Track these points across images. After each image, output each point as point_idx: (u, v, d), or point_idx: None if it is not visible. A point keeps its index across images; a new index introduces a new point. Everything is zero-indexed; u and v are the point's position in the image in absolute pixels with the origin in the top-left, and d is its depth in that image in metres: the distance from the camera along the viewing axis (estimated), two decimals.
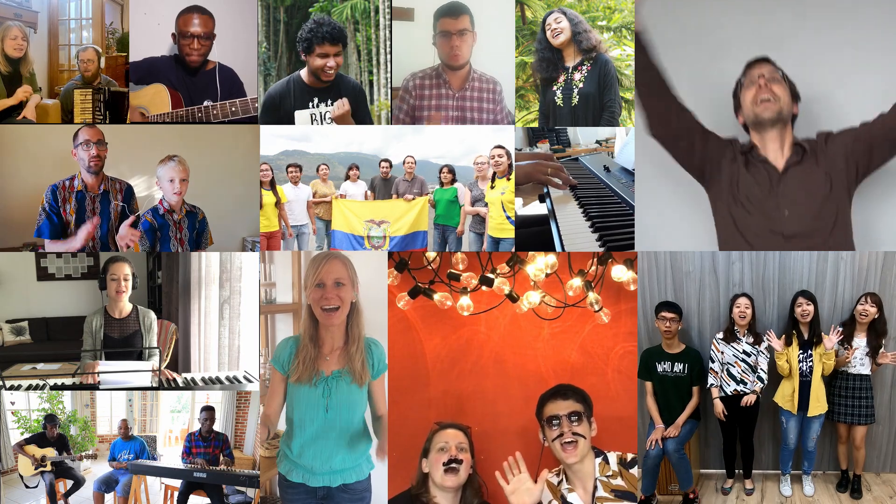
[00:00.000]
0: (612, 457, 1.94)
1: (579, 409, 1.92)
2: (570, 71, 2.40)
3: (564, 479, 1.93)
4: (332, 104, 2.31)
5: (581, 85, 2.39)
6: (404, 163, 2.64)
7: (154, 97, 2.40)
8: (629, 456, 1.94)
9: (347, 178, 2.69)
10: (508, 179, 2.46)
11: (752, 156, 2.20)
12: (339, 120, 2.30)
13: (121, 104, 2.40)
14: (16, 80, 2.43)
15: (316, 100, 2.33)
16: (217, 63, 2.45)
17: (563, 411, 1.91)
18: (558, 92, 2.40)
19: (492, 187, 2.53)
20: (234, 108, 2.37)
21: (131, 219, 2.28)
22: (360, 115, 2.37)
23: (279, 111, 2.32)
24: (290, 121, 2.32)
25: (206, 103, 2.40)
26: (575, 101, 2.40)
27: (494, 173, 2.49)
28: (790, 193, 2.14)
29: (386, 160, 2.60)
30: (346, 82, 2.39)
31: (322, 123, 2.31)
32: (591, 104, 2.37)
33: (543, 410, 1.96)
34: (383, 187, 2.69)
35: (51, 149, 2.44)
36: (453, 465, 1.89)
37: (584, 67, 2.38)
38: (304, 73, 2.34)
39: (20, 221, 2.41)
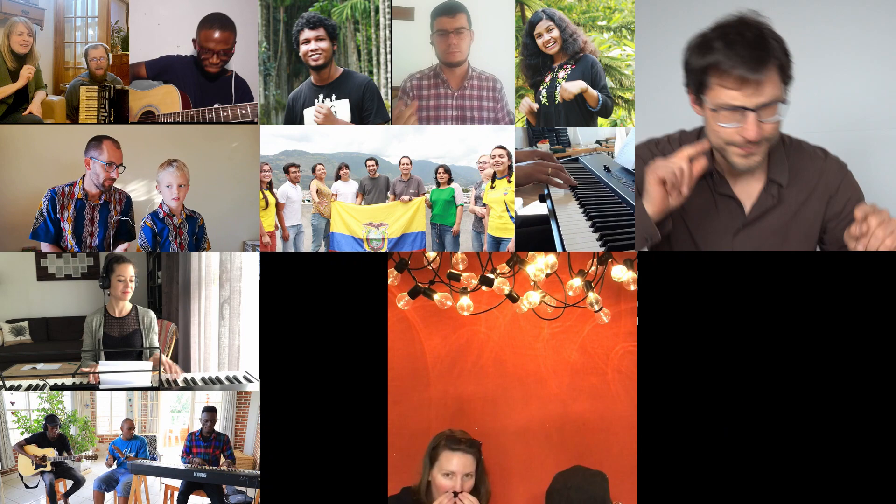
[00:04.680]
0: None
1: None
2: (555, 70, 2.41)
3: None
4: (335, 99, 2.32)
5: (563, 83, 2.40)
6: (400, 164, 2.64)
7: (165, 97, 2.40)
8: None
9: (338, 177, 2.68)
10: (509, 181, 2.46)
11: (713, 182, 1.89)
12: (326, 122, 2.31)
13: (125, 103, 2.41)
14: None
15: (321, 96, 2.34)
16: (234, 72, 2.45)
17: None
18: (543, 91, 2.41)
19: (492, 187, 2.53)
20: (244, 112, 2.37)
21: (126, 245, 2.30)
22: (371, 109, 2.35)
23: (293, 112, 2.37)
24: (303, 121, 2.35)
25: (215, 106, 2.40)
26: (558, 99, 2.40)
27: (494, 173, 2.49)
28: (755, 231, 1.93)
29: (372, 159, 2.58)
30: (353, 79, 2.39)
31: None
32: (575, 100, 2.37)
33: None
34: (373, 187, 2.69)
35: (54, 150, 2.44)
36: (456, 499, 1.92)
37: (569, 66, 2.40)
38: (311, 74, 2.38)
39: (19, 224, 2.41)
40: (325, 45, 2.31)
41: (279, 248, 2.60)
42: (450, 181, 2.66)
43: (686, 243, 2.00)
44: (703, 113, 1.75)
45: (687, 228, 1.98)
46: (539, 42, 2.38)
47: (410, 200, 2.64)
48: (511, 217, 2.45)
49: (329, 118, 2.30)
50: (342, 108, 2.34)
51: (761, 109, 1.66)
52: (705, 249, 1.93)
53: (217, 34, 2.39)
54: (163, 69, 2.42)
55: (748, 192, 1.91)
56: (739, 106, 1.65)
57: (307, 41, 2.31)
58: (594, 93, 2.35)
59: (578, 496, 1.98)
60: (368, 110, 2.35)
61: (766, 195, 1.90)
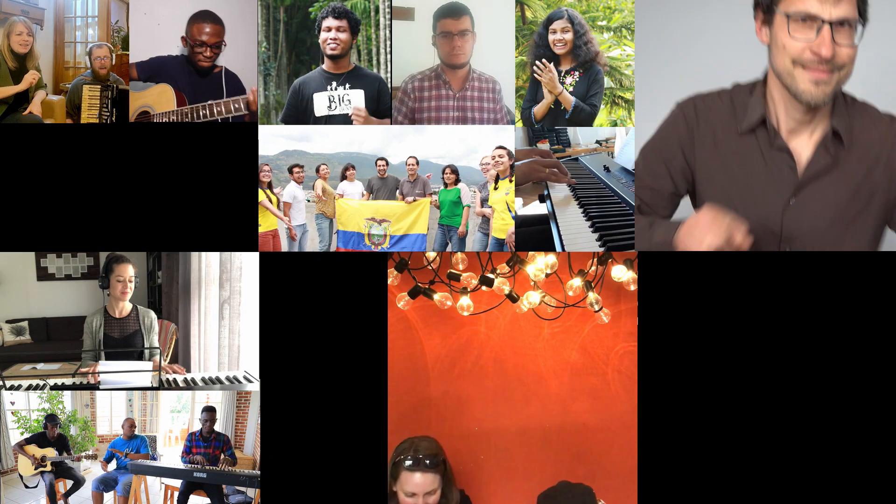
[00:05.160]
0: None
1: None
2: (562, 74, 2.41)
3: None
4: (348, 88, 2.33)
5: (570, 89, 2.40)
6: (406, 164, 2.63)
7: (160, 96, 2.41)
8: None
9: (344, 178, 2.67)
10: (511, 181, 2.46)
11: (769, 133, 1.69)
12: (365, 122, 2.35)
13: (126, 102, 2.42)
14: (23, 74, 2.44)
15: (335, 83, 2.36)
16: (223, 67, 2.46)
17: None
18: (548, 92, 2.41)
19: (495, 188, 2.53)
20: (237, 105, 2.37)
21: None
22: (384, 106, 2.38)
23: (299, 95, 2.37)
24: (311, 105, 2.36)
25: (208, 102, 2.40)
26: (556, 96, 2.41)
27: (497, 175, 2.49)
28: (808, 205, 1.72)
29: (382, 159, 2.58)
30: (365, 73, 2.40)
31: (340, 105, 2.35)
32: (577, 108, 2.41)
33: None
34: (382, 187, 2.68)
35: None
36: None
37: (577, 73, 2.40)
38: (324, 62, 2.40)
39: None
40: (344, 36, 2.34)
41: (285, 247, 2.60)
42: (457, 181, 2.65)
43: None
44: (768, 36, 1.63)
45: (728, 196, 1.76)
46: (550, 38, 2.38)
47: (414, 201, 2.63)
48: (513, 216, 2.45)
49: (368, 119, 2.33)
50: (356, 97, 2.36)
51: (837, 28, 1.53)
52: (752, 224, 1.68)
53: (208, 28, 2.41)
54: (154, 71, 2.42)
55: (802, 150, 1.71)
56: (815, 15, 1.53)
57: (329, 29, 2.34)
58: (569, 98, 2.38)
59: None
60: (388, 106, 2.38)
61: (823, 151, 1.69)
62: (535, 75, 2.36)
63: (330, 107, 2.36)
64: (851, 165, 1.71)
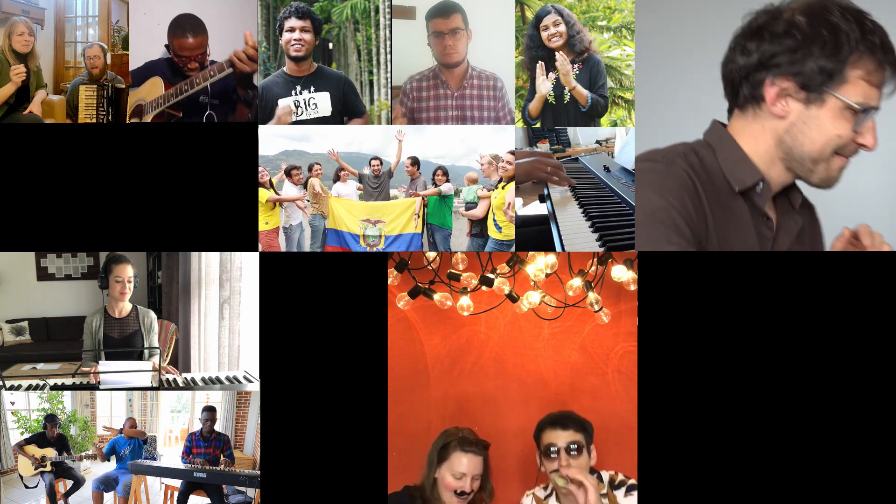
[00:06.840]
0: (605, 476, 1.97)
1: (579, 440, 1.95)
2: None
3: (554, 496, 1.95)
4: (314, 91, 2.31)
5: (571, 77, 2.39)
6: (405, 164, 2.63)
7: (151, 88, 2.41)
8: (620, 476, 1.96)
9: (338, 178, 2.66)
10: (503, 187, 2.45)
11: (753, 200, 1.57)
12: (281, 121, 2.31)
13: (123, 101, 2.41)
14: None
15: (299, 87, 2.33)
16: (209, 62, 2.44)
17: (562, 442, 1.93)
18: (551, 91, 2.41)
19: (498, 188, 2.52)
20: (212, 73, 2.32)
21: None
22: (350, 106, 2.36)
23: (261, 101, 2.33)
24: (275, 110, 2.33)
25: (188, 78, 2.37)
26: (567, 98, 2.40)
27: (501, 178, 2.48)
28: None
29: (376, 158, 2.56)
30: (329, 74, 2.38)
31: (307, 109, 2.32)
32: (571, 98, 2.40)
33: (541, 437, 1.98)
34: (377, 184, 2.67)
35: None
36: (465, 496, 1.95)
37: (576, 66, 2.39)
38: (286, 64, 2.37)
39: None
40: (308, 37, 2.30)
41: (283, 247, 2.60)
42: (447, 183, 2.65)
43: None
44: (798, 112, 1.42)
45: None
46: (544, 35, 2.38)
47: (410, 195, 2.61)
48: (495, 224, 2.44)
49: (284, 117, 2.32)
50: (322, 100, 2.34)
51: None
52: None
53: (190, 39, 2.36)
54: (146, 75, 2.42)
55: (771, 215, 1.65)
56: (874, 106, 1.38)
57: (292, 30, 2.29)
58: (584, 92, 2.37)
59: None
60: (354, 105, 2.36)
61: (796, 215, 1.69)
62: (544, 76, 2.34)
63: (297, 112, 2.32)
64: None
